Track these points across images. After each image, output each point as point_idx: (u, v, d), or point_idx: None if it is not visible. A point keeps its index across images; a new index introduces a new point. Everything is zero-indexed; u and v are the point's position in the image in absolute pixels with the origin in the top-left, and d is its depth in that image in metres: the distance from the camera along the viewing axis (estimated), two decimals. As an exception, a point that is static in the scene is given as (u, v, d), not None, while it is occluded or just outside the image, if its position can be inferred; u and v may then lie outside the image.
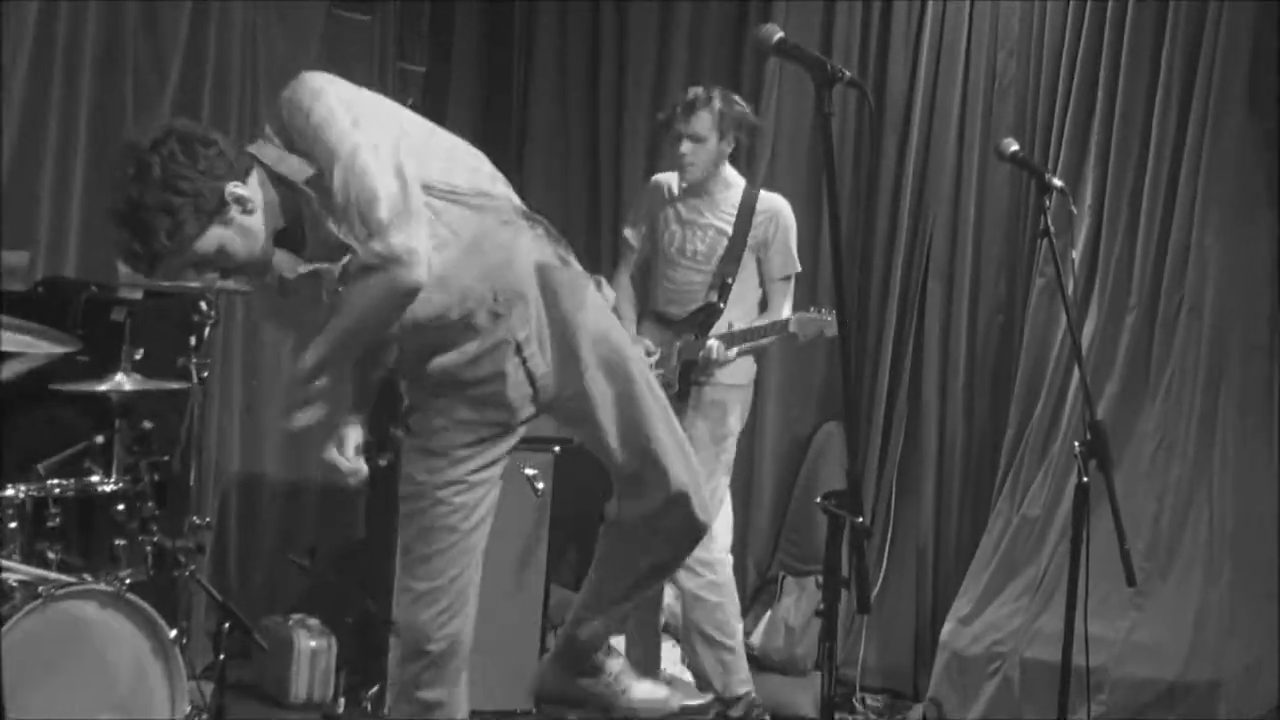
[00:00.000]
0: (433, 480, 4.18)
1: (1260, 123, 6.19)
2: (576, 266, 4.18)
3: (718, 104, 6.21)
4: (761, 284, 6.42)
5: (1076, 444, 4.88)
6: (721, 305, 6.31)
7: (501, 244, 4.00)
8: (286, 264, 3.95)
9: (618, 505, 4.38)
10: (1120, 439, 5.99)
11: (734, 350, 6.21)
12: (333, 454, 4.12)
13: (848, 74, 3.58)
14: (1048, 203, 5.05)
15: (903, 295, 7.27)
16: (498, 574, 6.42)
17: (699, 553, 6.02)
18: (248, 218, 3.74)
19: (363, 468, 4.15)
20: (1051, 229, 5.12)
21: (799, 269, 6.45)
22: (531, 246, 4.08)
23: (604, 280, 4.30)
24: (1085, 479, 4.81)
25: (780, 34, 3.64)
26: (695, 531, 4.33)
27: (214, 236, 3.70)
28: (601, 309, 4.18)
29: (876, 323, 7.32)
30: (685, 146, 6.21)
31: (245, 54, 7.43)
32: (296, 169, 3.79)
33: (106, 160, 6.93)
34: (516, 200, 4.13)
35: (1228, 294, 6.22)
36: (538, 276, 4.06)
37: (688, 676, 6.57)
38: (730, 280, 6.31)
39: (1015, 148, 5.04)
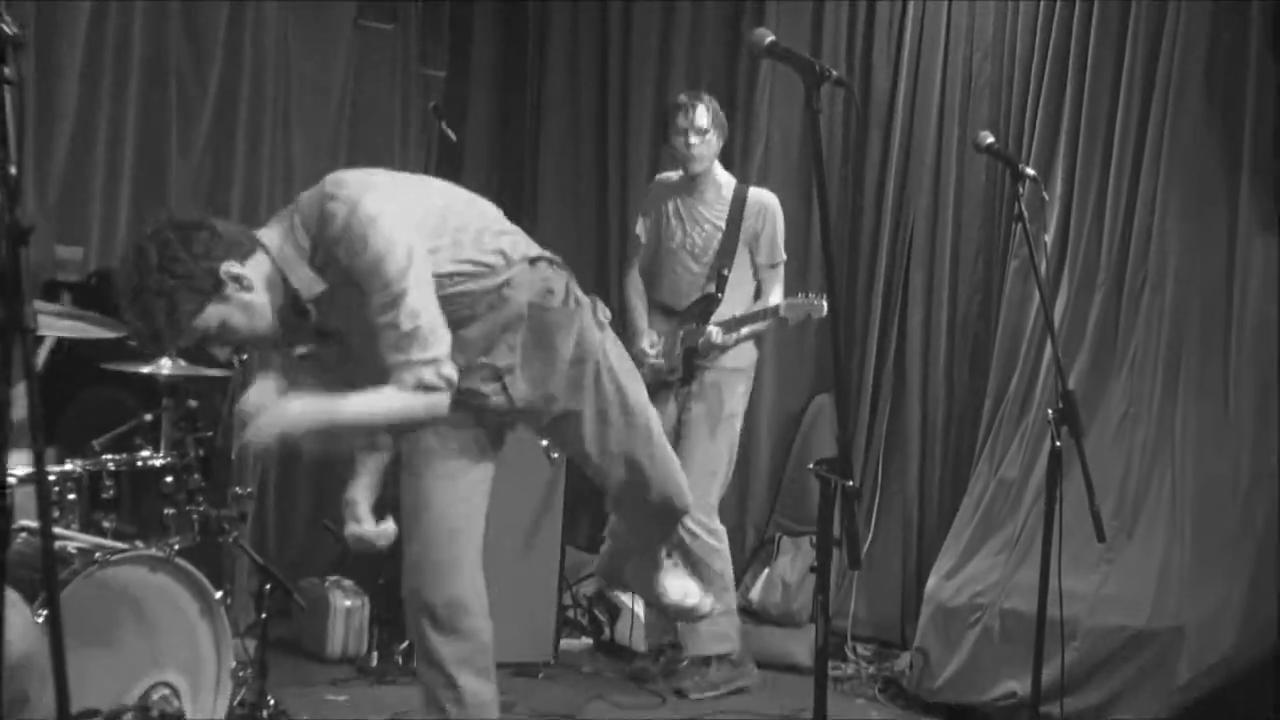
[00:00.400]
0: (422, 477, 4.25)
1: (1216, 115, 6.17)
2: (570, 301, 4.15)
3: (710, 103, 6.35)
4: (754, 274, 6.44)
5: (1050, 412, 4.88)
6: (720, 295, 6.40)
7: (501, 300, 4.03)
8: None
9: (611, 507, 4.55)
10: (1090, 407, 5.99)
11: (731, 336, 6.29)
12: (354, 529, 4.14)
13: (835, 73, 3.57)
14: (1021, 190, 5.04)
15: (888, 277, 7.29)
16: (516, 537, 6.49)
17: (705, 520, 6.10)
18: (247, 294, 3.73)
19: (389, 529, 4.17)
20: (1025, 214, 5.12)
21: (785, 258, 6.49)
22: (529, 289, 4.08)
23: (599, 300, 4.29)
24: (1058, 444, 4.82)
25: (771, 37, 3.64)
26: (676, 517, 4.49)
27: (214, 314, 3.70)
28: (588, 336, 4.16)
29: (864, 303, 7.32)
30: (693, 138, 6.29)
31: (279, 64, 7.46)
32: (307, 283, 3.81)
33: (152, 162, 6.97)
34: (524, 247, 4.13)
35: (1187, 272, 6.21)
36: (529, 313, 4.06)
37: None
38: (726, 272, 6.39)
39: (990, 140, 5.04)
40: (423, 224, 3.89)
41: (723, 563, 6.43)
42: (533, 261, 4.09)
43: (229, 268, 3.68)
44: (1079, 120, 6.53)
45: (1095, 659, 5.91)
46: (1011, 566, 6.25)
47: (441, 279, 3.86)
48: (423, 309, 3.75)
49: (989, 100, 6.98)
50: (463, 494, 4.28)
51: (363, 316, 3.81)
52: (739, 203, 6.42)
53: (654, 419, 4.29)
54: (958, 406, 7.11)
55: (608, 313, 4.28)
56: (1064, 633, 5.39)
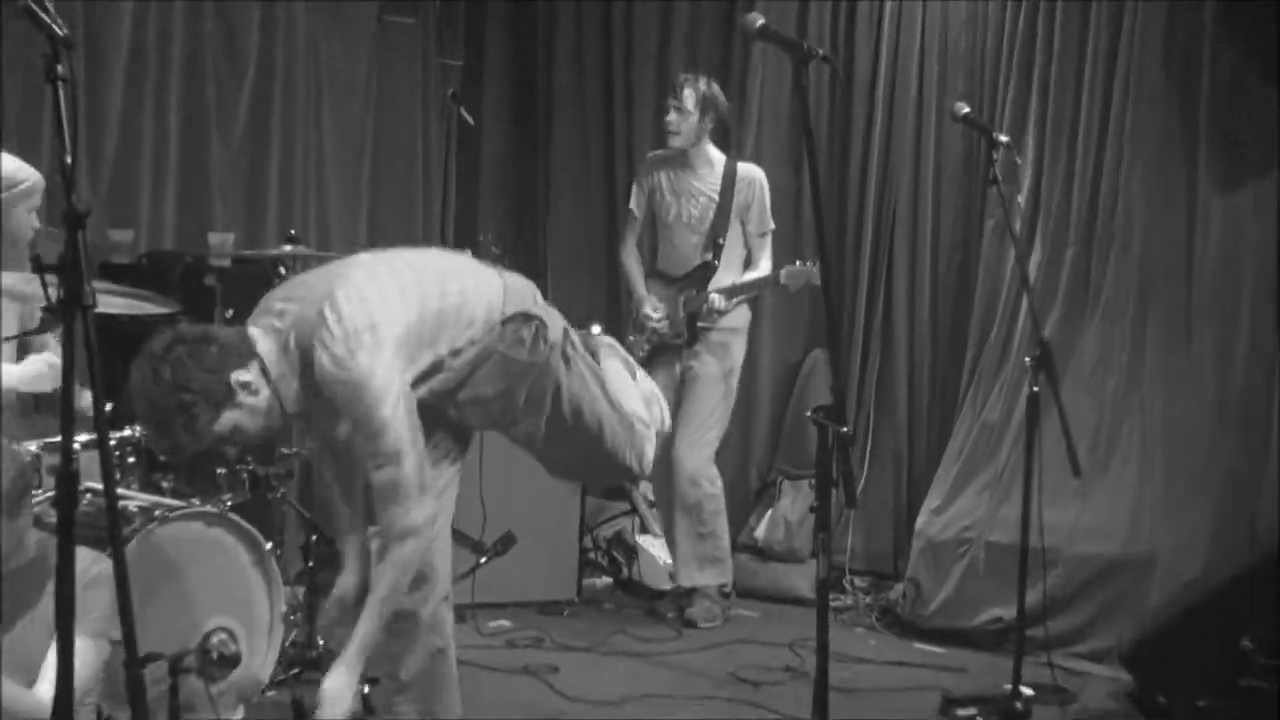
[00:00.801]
0: None
1: (1175, 86, 6.17)
2: (539, 346, 4.16)
3: (701, 86, 6.42)
4: (745, 242, 6.48)
5: (1027, 359, 4.92)
6: (716, 263, 6.49)
7: (478, 358, 4.07)
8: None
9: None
10: (1063, 356, 5.98)
11: (732, 300, 6.37)
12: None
13: (821, 51, 3.60)
14: (995, 156, 5.06)
15: (874, 239, 7.28)
16: (541, 487, 6.48)
17: (704, 468, 6.31)
18: (254, 398, 3.74)
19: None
20: (999, 178, 5.16)
21: (773, 226, 6.55)
22: (500, 341, 4.10)
23: (571, 332, 4.35)
24: (1036, 389, 4.85)
25: (761, 20, 3.65)
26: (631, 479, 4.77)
27: (227, 420, 3.71)
28: (552, 375, 4.20)
29: (853, 264, 7.31)
30: (671, 115, 6.43)
31: (308, 59, 7.45)
32: (293, 399, 3.83)
33: (195, 152, 6.98)
34: (499, 307, 4.13)
35: (1151, 230, 6.22)
36: (498, 359, 4.08)
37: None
38: (721, 241, 6.47)
39: (966, 110, 5.05)
40: (412, 340, 3.91)
41: (715, 505, 6.51)
42: (505, 322, 4.12)
43: (237, 376, 3.70)
44: (1048, 90, 6.52)
45: (1074, 585, 5.95)
46: (995, 503, 6.27)
47: (427, 370, 3.95)
48: (406, 457, 3.78)
49: (964, 73, 6.96)
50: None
51: (338, 435, 3.95)
52: (730, 177, 6.48)
53: (607, 422, 4.34)
54: (941, 357, 7.11)
55: (577, 341, 4.34)
56: (1045, 561, 5.44)
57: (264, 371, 3.79)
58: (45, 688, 3.62)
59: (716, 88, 6.52)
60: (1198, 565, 5.69)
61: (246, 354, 3.78)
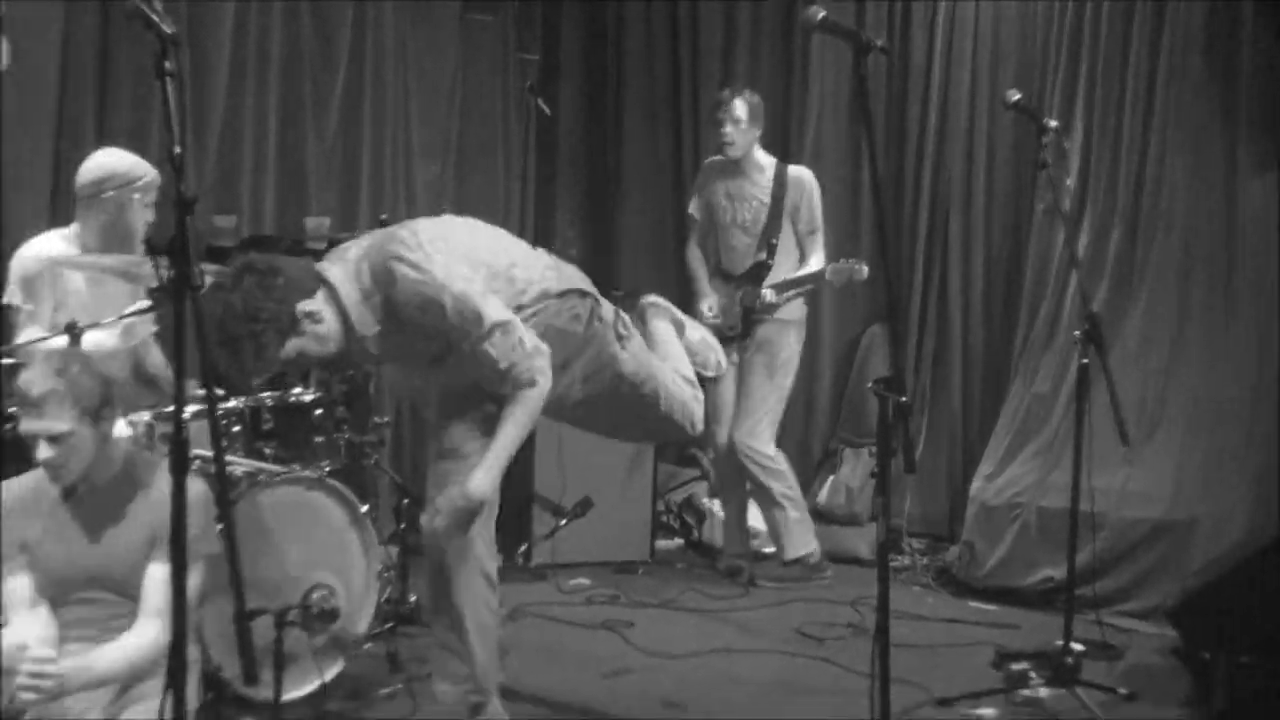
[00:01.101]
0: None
1: (1215, 72, 6.12)
2: (593, 323, 4.29)
3: (748, 97, 6.43)
4: (797, 241, 6.48)
5: (1077, 333, 4.88)
6: (770, 262, 6.50)
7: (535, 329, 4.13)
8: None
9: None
10: (1111, 330, 5.93)
11: (783, 295, 6.39)
12: None
13: (878, 43, 3.58)
14: (1045, 141, 5.02)
15: (930, 221, 7.25)
16: (617, 456, 6.52)
17: (760, 449, 6.44)
18: (319, 326, 3.84)
19: None
20: (1049, 162, 5.12)
21: (821, 225, 6.51)
22: (557, 316, 4.21)
23: (621, 314, 4.45)
24: (1085, 361, 4.81)
25: (823, 13, 3.62)
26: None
27: (292, 347, 3.83)
28: (606, 351, 4.32)
29: (909, 245, 7.29)
30: (728, 128, 6.41)
31: (397, 56, 7.49)
32: (364, 323, 3.92)
33: (292, 144, 7.02)
34: (555, 283, 4.24)
35: (1193, 211, 6.19)
36: (553, 333, 4.17)
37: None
38: (774, 241, 6.47)
39: (1018, 97, 5.01)
40: (485, 268, 4.03)
41: (783, 482, 6.48)
42: (561, 295, 4.21)
43: (303, 306, 3.79)
44: (1095, 78, 6.49)
45: (1121, 547, 5.92)
46: (1045, 469, 6.25)
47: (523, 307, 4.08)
48: (513, 320, 3.96)
49: (1014, 63, 6.92)
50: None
51: (416, 352, 4.06)
52: (780, 180, 6.49)
53: (663, 392, 4.45)
54: (994, 331, 7.09)
55: (629, 323, 4.43)
56: (1094, 524, 5.43)
57: (333, 299, 3.88)
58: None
59: (757, 96, 6.53)
60: (1240, 528, 5.67)
61: (312, 285, 3.87)
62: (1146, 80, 6.31)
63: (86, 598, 3.75)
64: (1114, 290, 6.35)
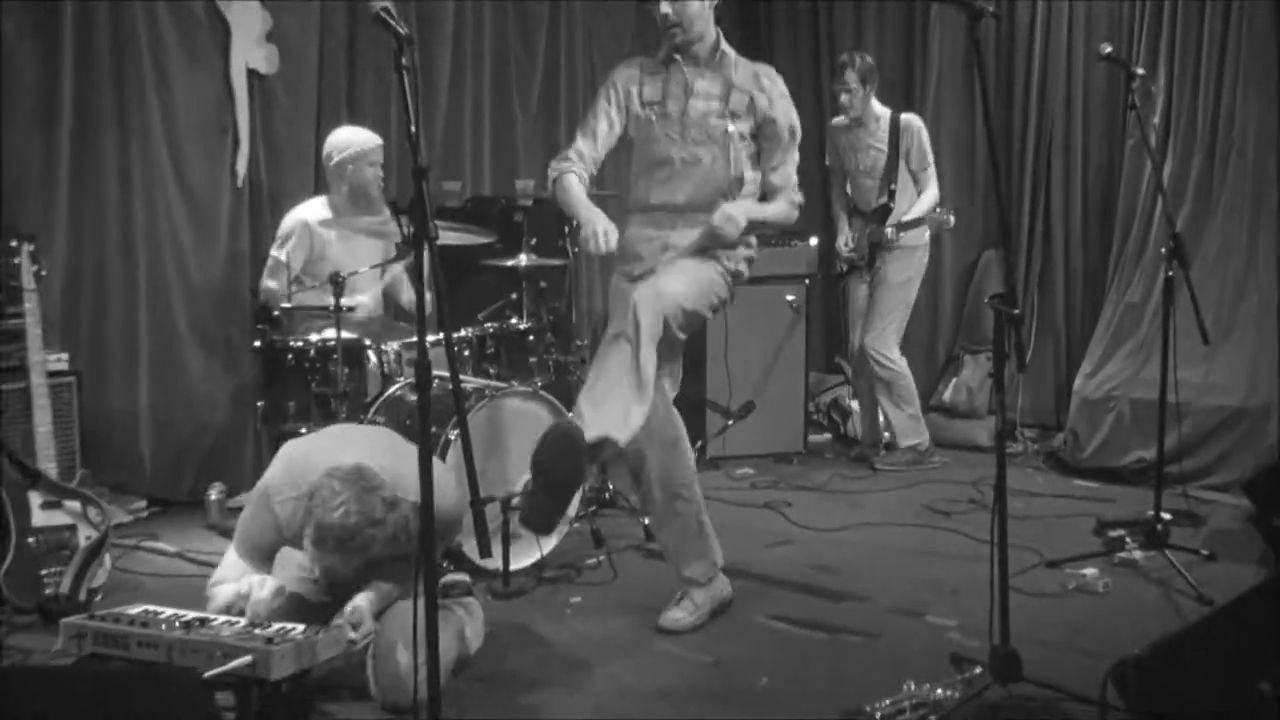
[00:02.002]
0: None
1: (1278, 19, 5.96)
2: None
3: (858, 63, 6.37)
4: (914, 178, 6.45)
5: (1163, 250, 4.78)
6: (891, 205, 6.46)
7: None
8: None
9: None
10: (1192, 246, 5.85)
11: (899, 233, 6.38)
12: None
13: (989, 8, 3.51)
14: (1134, 86, 4.91)
15: (1034, 159, 7.15)
16: (775, 363, 6.55)
17: (886, 353, 6.43)
18: None
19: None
20: (1137, 104, 4.99)
21: (931, 162, 6.43)
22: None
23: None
24: (1170, 274, 4.72)
25: None
26: None
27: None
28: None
29: (1018, 179, 7.20)
30: (843, 96, 6.40)
31: (585, 43, 7.59)
32: None
33: (504, 120, 7.11)
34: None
35: (1263, 141, 6.04)
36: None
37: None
38: (894, 186, 6.45)
39: (1109, 49, 4.91)
40: None
41: (903, 381, 6.47)
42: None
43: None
44: (1175, 27, 6.37)
45: (1203, 431, 5.84)
46: (1137, 367, 6.18)
47: None
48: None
49: (1105, 18, 6.78)
50: None
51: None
52: (894, 129, 6.43)
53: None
54: (1091, 251, 6.99)
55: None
56: (1179, 413, 5.34)
57: None
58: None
59: (869, 57, 6.47)
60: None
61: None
62: (1221, 27, 6.18)
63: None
64: (1194, 212, 6.22)
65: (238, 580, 3.59)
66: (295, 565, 3.69)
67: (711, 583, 4.28)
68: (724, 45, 4.22)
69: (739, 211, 4.05)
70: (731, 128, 4.13)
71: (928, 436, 6.55)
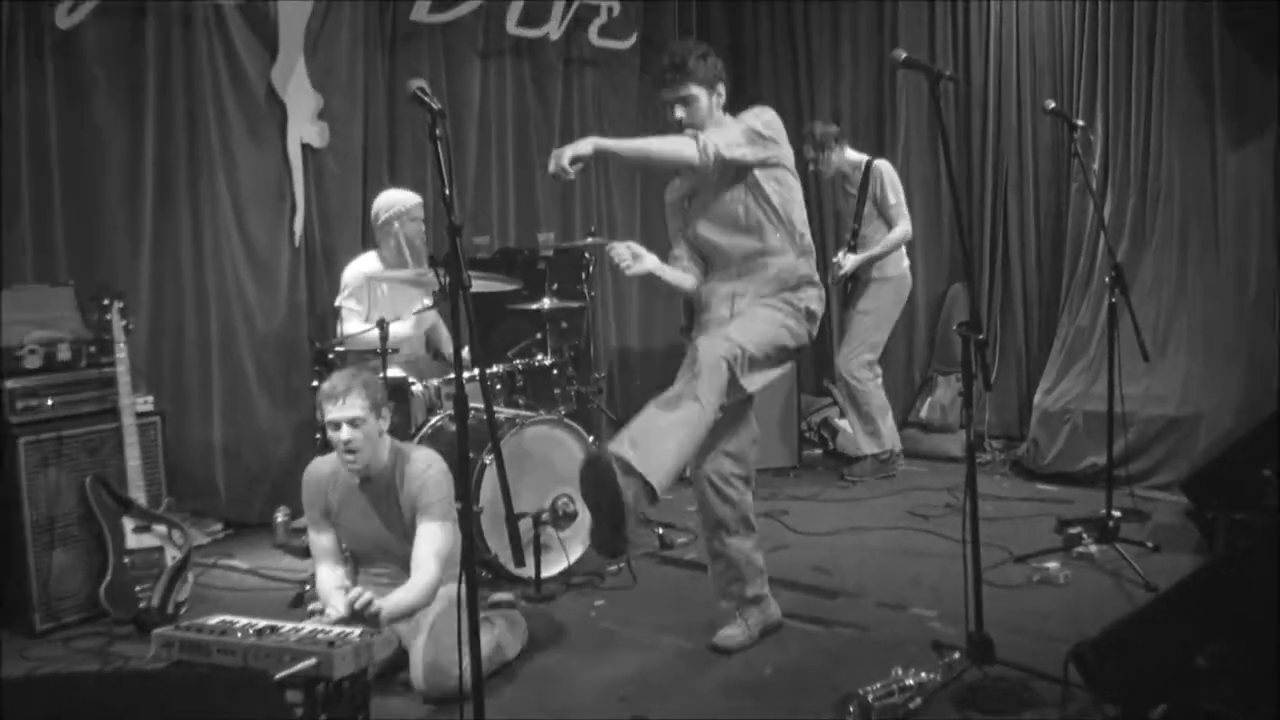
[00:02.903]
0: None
1: (1195, 72, 5.95)
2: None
3: (817, 131, 6.45)
4: (883, 217, 6.44)
5: (1106, 279, 4.81)
6: (853, 242, 6.42)
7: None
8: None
9: None
10: (1131, 275, 5.84)
11: (859, 264, 6.36)
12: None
13: (948, 72, 3.54)
14: (1075, 136, 4.94)
15: (993, 202, 7.09)
16: (770, 391, 6.51)
17: (858, 374, 6.35)
18: None
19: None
20: (1079, 152, 5.04)
21: (894, 201, 6.37)
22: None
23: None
24: (1113, 300, 4.74)
25: (905, 54, 3.61)
26: None
27: None
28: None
29: (979, 220, 7.15)
30: (811, 167, 6.41)
31: (595, 108, 7.58)
32: None
33: (525, 181, 7.12)
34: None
35: (1187, 181, 6.02)
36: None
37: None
38: (856, 225, 6.43)
39: (1053, 105, 4.94)
40: None
41: (867, 398, 6.41)
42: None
43: None
44: (1109, 85, 6.33)
45: (1146, 438, 5.84)
46: (1087, 382, 6.16)
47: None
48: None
49: (1049, 78, 6.76)
50: None
51: None
52: (866, 173, 6.40)
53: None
54: (1045, 282, 6.94)
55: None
56: (1125, 422, 5.34)
57: None
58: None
59: (822, 125, 6.49)
60: (1231, 418, 5.59)
61: None
62: (1146, 85, 6.15)
63: (381, 559, 3.86)
64: (1131, 245, 6.20)
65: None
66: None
67: (763, 602, 4.12)
68: (717, 115, 3.93)
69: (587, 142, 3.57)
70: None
71: (891, 447, 6.48)
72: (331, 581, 3.79)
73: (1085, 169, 6.01)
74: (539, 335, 5.56)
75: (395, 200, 5.45)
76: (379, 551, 3.85)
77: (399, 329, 5.18)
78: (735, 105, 4.02)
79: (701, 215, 3.97)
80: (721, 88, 3.92)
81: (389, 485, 3.78)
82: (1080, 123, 5.23)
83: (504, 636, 3.87)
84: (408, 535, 3.75)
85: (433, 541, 3.68)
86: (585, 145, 3.51)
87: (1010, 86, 6.94)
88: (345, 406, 3.65)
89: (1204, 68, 5.90)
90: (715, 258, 4.00)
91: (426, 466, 3.77)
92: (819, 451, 7.18)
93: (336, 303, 5.48)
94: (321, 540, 3.85)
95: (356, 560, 3.93)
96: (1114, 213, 6.26)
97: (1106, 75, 6.34)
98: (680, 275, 4.04)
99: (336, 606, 3.55)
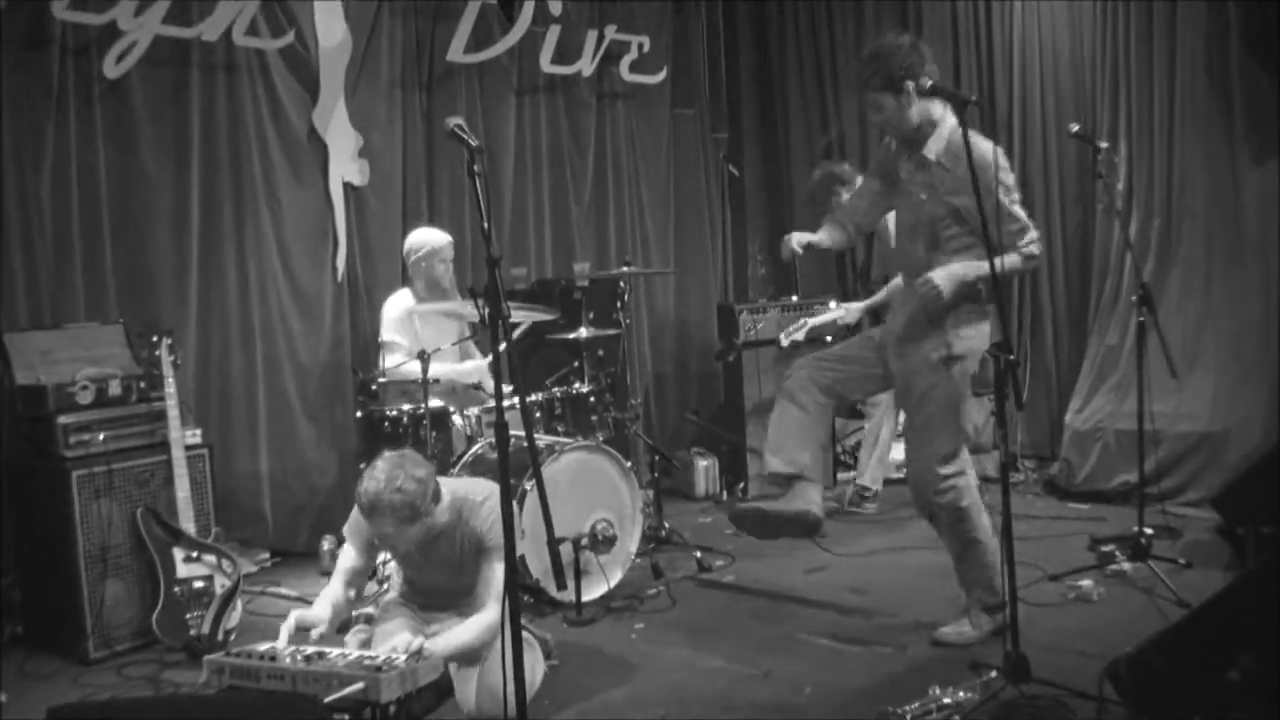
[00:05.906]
0: None
1: (1216, 93, 5.91)
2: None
3: (815, 177, 6.22)
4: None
5: (1134, 298, 4.79)
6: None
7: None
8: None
9: None
10: (1157, 294, 5.75)
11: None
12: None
13: (973, 98, 3.55)
14: (1099, 157, 4.93)
15: (1019, 226, 7.06)
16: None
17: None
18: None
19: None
20: (1104, 173, 5.03)
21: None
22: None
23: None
24: (1141, 319, 4.71)
25: (932, 81, 3.61)
26: None
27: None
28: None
29: (1006, 244, 7.12)
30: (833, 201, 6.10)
31: (628, 143, 7.54)
32: None
33: (560, 213, 7.15)
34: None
35: (1210, 200, 5.97)
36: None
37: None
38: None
39: (1077, 127, 4.95)
40: None
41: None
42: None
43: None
44: (1131, 107, 6.28)
45: (1176, 455, 5.80)
46: (1118, 401, 6.12)
47: None
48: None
49: (1073, 100, 6.72)
50: None
51: None
52: None
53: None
54: (1074, 302, 6.87)
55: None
56: (1155, 440, 5.32)
57: None
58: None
59: (822, 168, 6.24)
60: (1260, 433, 5.53)
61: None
62: (1167, 106, 6.11)
63: (449, 605, 3.78)
64: (1158, 265, 6.14)
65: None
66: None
67: (991, 608, 4.12)
68: (931, 119, 4.01)
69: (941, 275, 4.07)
70: (924, 195, 4.10)
71: (871, 484, 6.29)
72: (329, 597, 3.62)
73: (1110, 190, 5.98)
74: (576, 363, 5.59)
75: (426, 240, 5.49)
76: (434, 588, 3.81)
77: (440, 359, 5.22)
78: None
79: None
80: (910, 85, 3.89)
81: (449, 537, 3.69)
82: (1104, 144, 5.23)
83: (534, 657, 3.84)
84: (463, 569, 3.68)
85: (498, 584, 3.55)
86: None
87: (1035, 109, 6.91)
88: (376, 526, 3.53)
89: (1224, 87, 5.87)
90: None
91: (494, 509, 3.62)
92: (852, 474, 7.15)
93: (381, 337, 5.53)
94: (351, 561, 3.73)
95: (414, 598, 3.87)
96: (1139, 232, 6.22)
97: (1129, 97, 6.31)
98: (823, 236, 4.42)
99: (321, 617, 3.47)
